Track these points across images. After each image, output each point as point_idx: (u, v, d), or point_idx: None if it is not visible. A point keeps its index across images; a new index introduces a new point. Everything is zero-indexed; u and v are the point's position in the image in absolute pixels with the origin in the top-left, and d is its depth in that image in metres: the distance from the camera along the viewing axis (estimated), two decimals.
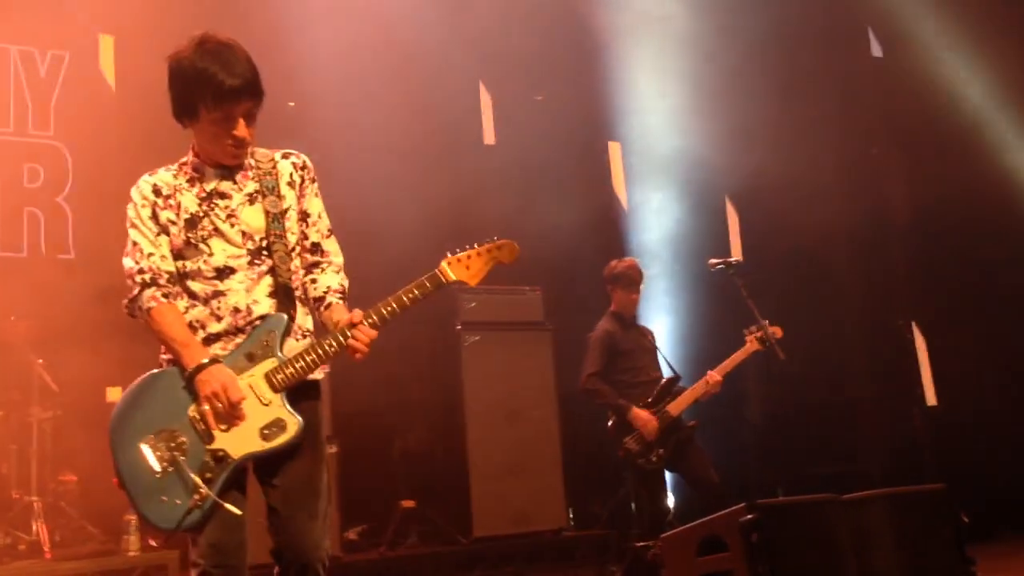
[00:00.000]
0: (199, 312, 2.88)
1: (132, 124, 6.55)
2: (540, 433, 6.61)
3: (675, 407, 5.60)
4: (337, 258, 3.05)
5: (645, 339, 6.01)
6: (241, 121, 2.83)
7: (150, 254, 2.87)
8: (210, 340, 2.86)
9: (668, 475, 5.84)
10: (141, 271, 2.86)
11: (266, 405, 2.79)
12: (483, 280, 3.03)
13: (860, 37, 8.72)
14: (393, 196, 6.95)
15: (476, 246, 3.03)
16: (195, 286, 2.88)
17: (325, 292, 2.97)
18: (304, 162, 3.04)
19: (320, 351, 2.85)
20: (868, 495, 3.81)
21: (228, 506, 2.71)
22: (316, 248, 3.01)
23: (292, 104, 7.22)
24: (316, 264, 3.01)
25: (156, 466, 2.72)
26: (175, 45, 2.85)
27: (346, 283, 3.02)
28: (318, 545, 2.87)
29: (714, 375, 5.61)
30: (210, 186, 2.91)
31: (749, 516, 3.43)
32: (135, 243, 2.89)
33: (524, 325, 6.78)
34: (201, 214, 2.88)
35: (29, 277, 6.27)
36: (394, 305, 2.88)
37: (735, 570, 3.48)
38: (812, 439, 7.69)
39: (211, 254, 2.87)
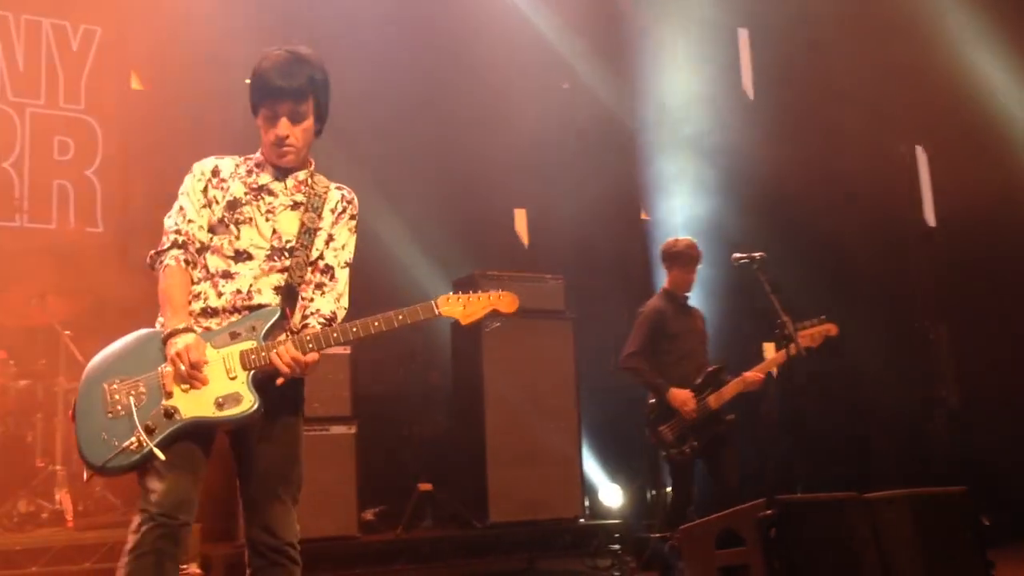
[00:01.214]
0: (205, 285, 3.03)
1: (161, 101, 6.61)
2: (559, 421, 6.58)
3: (716, 399, 5.48)
4: (342, 289, 3.15)
5: (696, 322, 5.86)
6: (284, 120, 3.02)
7: (190, 220, 3.06)
8: (207, 313, 3.01)
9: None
10: (177, 231, 3.05)
11: (231, 379, 2.91)
12: (476, 322, 3.10)
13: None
14: (408, 182, 6.92)
15: (479, 293, 3.13)
16: (212, 260, 3.04)
17: (312, 313, 3.07)
18: (352, 198, 3.23)
19: (272, 351, 2.92)
20: (889, 495, 3.79)
21: (156, 450, 2.79)
22: (328, 271, 3.13)
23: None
24: (320, 286, 3.11)
25: (110, 408, 2.87)
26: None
27: (340, 314, 3.11)
28: (288, 529, 3.02)
29: (754, 374, 5.50)
30: (262, 181, 3.12)
31: (767, 511, 3.43)
32: (181, 207, 3.09)
33: (545, 313, 6.73)
34: (243, 201, 3.07)
35: (57, 249, 6.33)
36: (376, 324, 2.96)
37: (752, 564, 3.48)
38: (832, 438, 7.64)
39: (237, 237, 3.04)
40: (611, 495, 7.20)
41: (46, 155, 6.73)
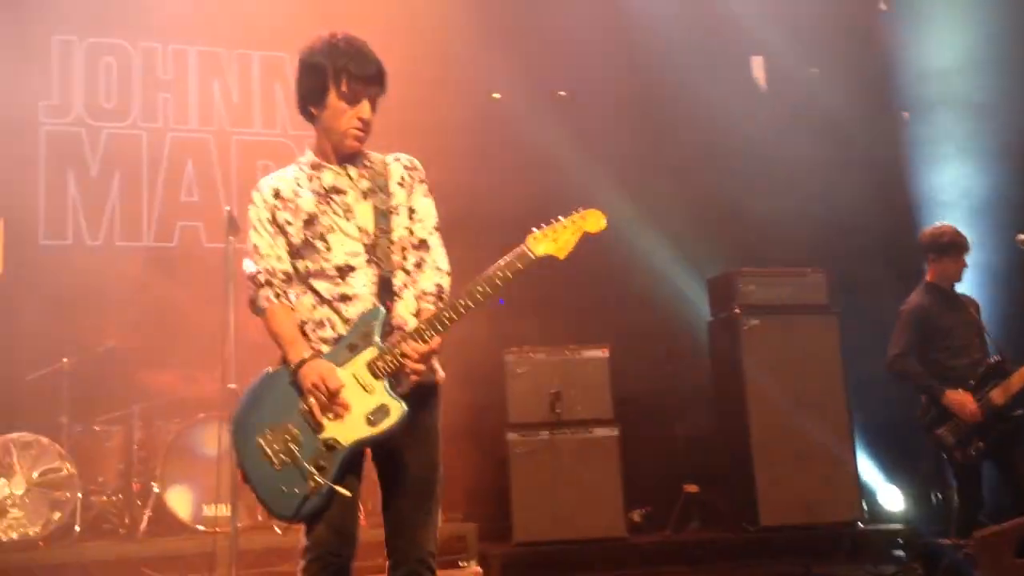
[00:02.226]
0: (325, 311, 2.97)
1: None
2: (828, 421, 6.32)
3: (1000, 394, 5.00)
4: (437, 255, 3.08)
5: (968, 312, 5.37)
6: (366, 103, 2.97)
7: (266, 255, 3.01)
8: (340, 339, 2.94)
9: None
10: (258, 272, 3.02)
11: (370, 393, 2.86)
12: (572, 252, 2.94)
13: None
14: (672, 176, 6.84)
15: (561, 219, 2.97)
16: (320, 286, 2.97)
17: (420, 296, 3.02)
18: (413, 163, 3.12)
19: (428, 328, 2.85)
20: None
21: (340, 489, 2.81)
22: (423, 244, 3.06)
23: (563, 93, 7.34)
24: (420, 264, 3.06)
25: (274, 459, 2.86)
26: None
27: (444, 282, 3.05)
28: (429, 544, 2.97)
29: None
30: (328, 183, 3.02)
31: None
32: (255, 246, 3.04)
33: (807, 308, 6.52)
34: (318, 213, 2.99)
35: None
36: (482, 287, 2.85)
37: None
38: None
39: (329, 249, 2.96)
40: (890, 498, 6.83)
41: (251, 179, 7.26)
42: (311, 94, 3.00)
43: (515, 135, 7.02)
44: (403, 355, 2.83)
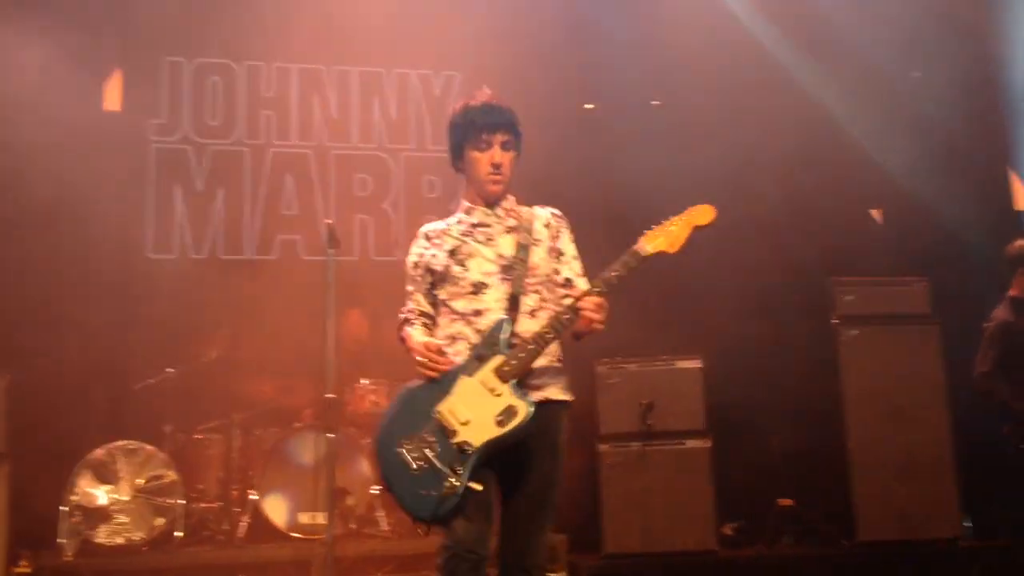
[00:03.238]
0: (459, 326, 3.24)
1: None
2: (929, 434, 6.10)
3: None
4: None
5: None
6: (497, 148, 3.28)
7: (413, 296, 3.40)
8: (472, 349, 3.19)
9: None
10: (407, 310, 3.40)
11: (498, 396, 3.05)
12: (684, 247, 3.13)
13: None
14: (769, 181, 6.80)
15: (672, 217, 3.19)
16: (458, 304, 3.25)
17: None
18: (560, 214, 3.44)
19: (551, 329, 3.10)
20: None
21: (473, 484, 2.99)
22: (568, 283, 3.33)
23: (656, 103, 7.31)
24: (565, 299, 3.25)
25: (413, 465, 3.06)
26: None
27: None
28: (540, 554, 3.17)
29: None
30: (475, 219, 3.35)
31: None
32: (408, 290, 3.42)
33: (908, 318, 6.29)
34: (461, 242, 3.31)
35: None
36: (613, 273, 3.09)
37: None
38: None
39: (467, 270, 3.26)
40: (993, 515, 6.48)
41: (416, 193, 7.40)
42: (454, 150, 3.38)
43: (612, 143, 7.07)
44: (579, 309, 3.05)
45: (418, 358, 3.17)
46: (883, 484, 6.02)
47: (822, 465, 6.42)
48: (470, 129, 3.28)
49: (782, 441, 6.87)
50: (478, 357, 3.13)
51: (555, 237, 3.36)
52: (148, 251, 6.94)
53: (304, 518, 5.88)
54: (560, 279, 3.33)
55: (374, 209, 7.38)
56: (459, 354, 3.19)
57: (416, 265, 3.38)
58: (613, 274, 3.08)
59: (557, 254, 3.36)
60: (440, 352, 3.15)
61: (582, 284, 3.30)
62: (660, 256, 3.13)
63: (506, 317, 3.17)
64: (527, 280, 3.24)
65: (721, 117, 7.12)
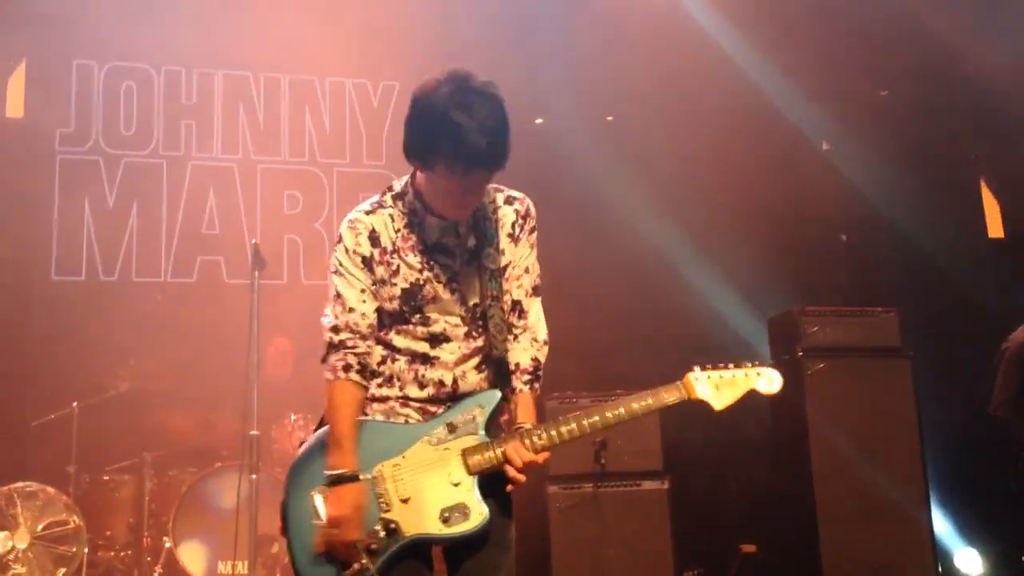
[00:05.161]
0: (399, 368, 2.68)
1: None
2: (900, 474, 5.87)
3: None
4: (534, 321, 2.78)
5: None
6: (480, 187, 2.63)
7: (351, 309, 2.66)
8: (406, 401, 2.67)
9: None
10: (336, 329, 2.65)
11: (455, 485, 2.57)
12: (730, 408, 2.79)
13: None
14: (728, 203, 6.67)
15: (732, 366, 2.80)
16: (400, 342, 2.68)
17: (512, 371, 2.72)
18: (527, 209, 2.79)
19: (499, 450, 2.59)
20: None
21: None
22: (516, 307, 2.75)
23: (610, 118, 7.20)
24: (512, 330, 2.74)
25: (323, 519, 2.53)
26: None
27: (541, 355, 2.76)
28: None
29: None
30: (432, 239, 2.68)
31: None
32: (338, 295, 2.68)
33: (877, 351, 6.07)
34: (422, 282, 2.65)
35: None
36: (614, 413, 2.64)
37: None
38: None
39: (426, 319, 2.67)
40: (968, 561, 6.44)
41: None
42: (417, 151, 2.65)
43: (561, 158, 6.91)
44: (508, 460, 2.57)
45: (330, 515, 2.51)
46: (851, 528, 5.79)
47: (787, 507, 6.18)
48: (451, 151, 2.49)
49: (744, 482, 6.75)
50: (449, 425, 2.62)
51: (517, 239, 2.74)
52: (52, 273, 6.63)
53: (224, 568, 5.60)
54: (508, 302, 2.74)
55: (304, 229, 7.10)
56: (391, 410, 2.66)
57: (362, 268, 2.65)
58: (614, 414, 2.65)
59: (507, 268, 2.74)
60: (347, 546, 2.50)
61: (534, 308, 2.76)
62: (702, 405, 2.77)
63: (497, 391, 2.66)
64: (508, 335, 2.71)
65: (675, 134, 6.96)
